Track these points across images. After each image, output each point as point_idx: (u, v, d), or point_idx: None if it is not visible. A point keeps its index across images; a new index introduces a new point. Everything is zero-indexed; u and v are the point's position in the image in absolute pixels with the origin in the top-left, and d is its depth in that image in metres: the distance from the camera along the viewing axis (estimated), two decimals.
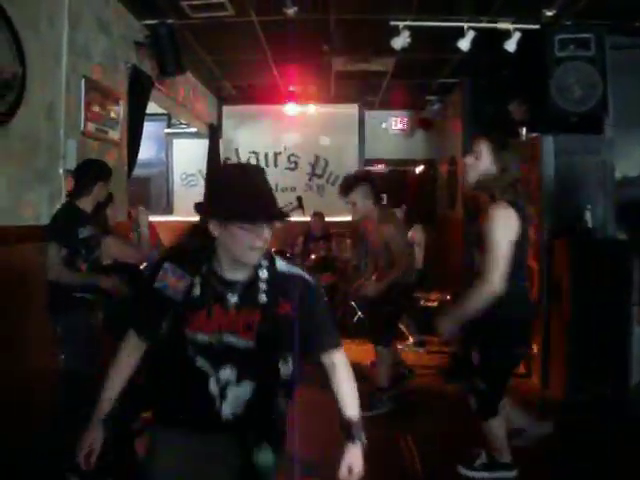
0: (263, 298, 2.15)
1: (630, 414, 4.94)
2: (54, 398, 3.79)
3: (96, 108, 5.00)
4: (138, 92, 5.85)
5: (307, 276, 2.27)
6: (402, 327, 7.38)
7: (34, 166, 4.16)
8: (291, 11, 5.62)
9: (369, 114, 10.49)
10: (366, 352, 6.68)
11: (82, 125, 4.79)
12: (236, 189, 2.08)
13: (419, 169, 11.04)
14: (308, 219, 8.50)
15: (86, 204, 3.97)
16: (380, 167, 11.11)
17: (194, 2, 5.53)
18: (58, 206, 4.21)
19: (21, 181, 4.00)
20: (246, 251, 2.07)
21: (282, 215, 2.14)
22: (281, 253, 8.29)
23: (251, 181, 2.11)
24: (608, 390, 5.21)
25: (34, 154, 4.16)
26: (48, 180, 4.34)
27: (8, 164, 3.84)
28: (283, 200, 9.44)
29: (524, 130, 6.36)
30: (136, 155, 5.95)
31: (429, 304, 8.02)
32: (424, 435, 4.70)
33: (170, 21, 5.78)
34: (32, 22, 4.08)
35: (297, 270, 2.27)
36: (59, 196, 4.41)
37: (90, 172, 4.07)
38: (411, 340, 7.43)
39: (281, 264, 2.25)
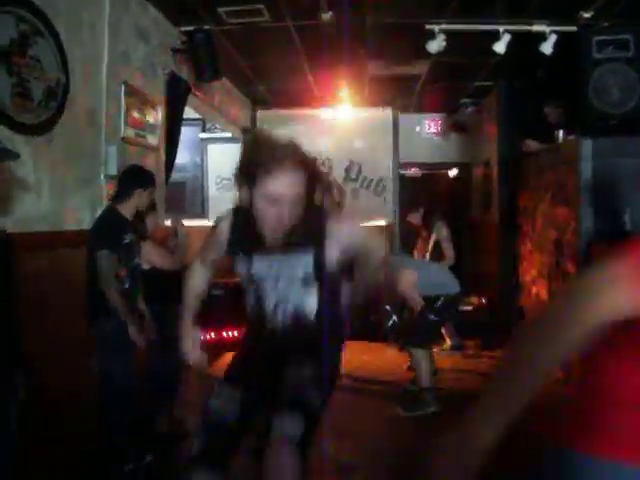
0: None
1: None
2: (94, 399, 3.86)
3: (135, 114, 5.07)
4: (176, 98, 5.93)
5: None
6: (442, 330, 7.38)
7: (76, 172, 4.23)
8: (327, 16, 5.65)
9: (403, 117, 10.45)
10: (402, 357, 6.69)
11: (122, 131, 4.85)
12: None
13: (452, 172, 11.00)
14: None
15: (126, 209, 4.01)
16: (414, 170, 11.10)
17: (231, 8, 5.58)
18: (99, 212, 4.27)
19: (63, 187, 4.07)
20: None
21: None
22: None
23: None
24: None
25: (76, 160, 4.23)
26: (90, 186, 4.41)
27: (51, 170, 3.90)
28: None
29: (561, 133, 6.31)
30: (173, 160, 6.03)
31: (465, 308, 7.98)
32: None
33: (207, 27, 5.83)
34: (75, 30, 4.15)
35: None
36: (100, 202, 4.48)
37: (130, 178, 4.13)
38: (448, 343, 7.40)
39: None
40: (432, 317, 5.40)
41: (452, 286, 5.62)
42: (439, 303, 5.38)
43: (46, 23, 3.75)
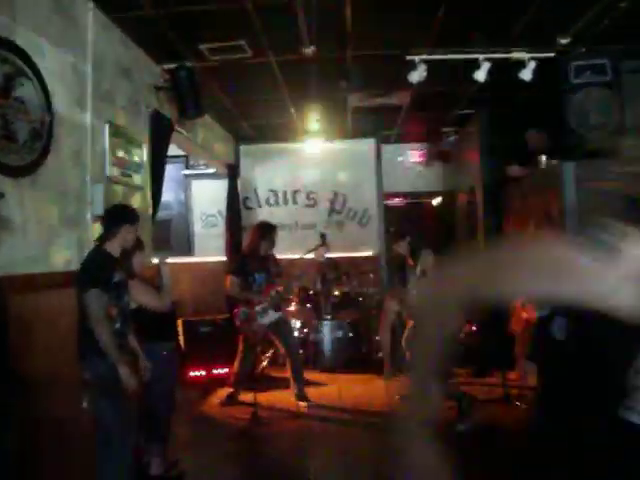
0: None
1: None
2: (84, 445, 3.79)
3: (120, 153, 5.07)
4: (159, 136, 5.93)
5: None
6: None
7: (63, 212, 4.21)
8: (309, 50, 5.71)
9: (385, 148, 10.53)
10: (392, 385, 6.67)
11: (107, 170, 4.84)
12: None
13: (436, 201, 11.05)
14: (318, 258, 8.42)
15: (113, 247, 3.96)
16: (398, 200, 11.15)
17: (213, 45, 5.63)
18: (86, 251, 4.24)
19: (50, 228, 4.04)
20: None
21: None
22: (305, 290, 8.31)
23: None
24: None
25: (62, 200, 4.21)
26: (76, 226, 4.39)
27: (38, 211, 3.88)
28: (304, 238, 9.57)
29: (544, 158, 6.36)
30: (159, 198, 6.01)
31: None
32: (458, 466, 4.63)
33: (189, 64, 5.86)
34: (58, 71, 4.16)
35: None
36: (87, 242, 4.44)
37: (114, 215, 4.10)
38: None
39: None
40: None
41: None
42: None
43: (30, 64, 3.75)
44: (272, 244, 6.66)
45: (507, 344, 7.07)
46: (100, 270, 3.79)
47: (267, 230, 6.68)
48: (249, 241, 6.82)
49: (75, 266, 4.17)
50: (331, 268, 8.55)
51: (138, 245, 4.41)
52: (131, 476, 3.82)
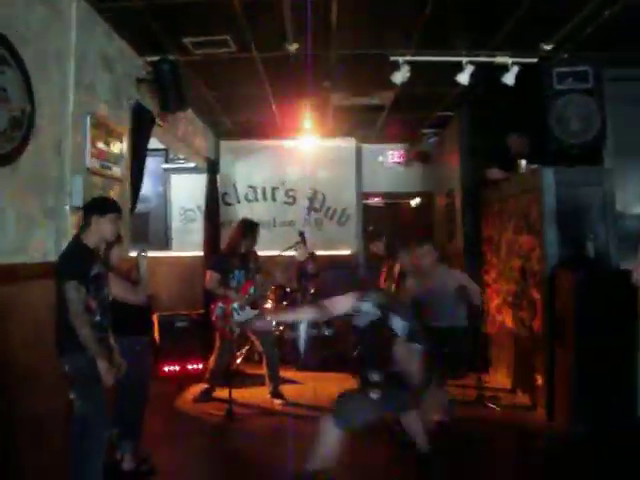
0: None
1: (637, 445, 4.91)
2: (65, 439, 3.75)
3: (100, 144, 5.02)
4: (141, 128, 5.89)
5: None
6: None
7: (42, 203, 4.17)
8: (292, 47, 5.70)
9: (366, 148, 10.55)
10: None
11: (87, 162, 4.79)
12: None
13: (415, 201, 11.08)
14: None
15: (89, 239, 3.90)
16: (377, 200, 11.17)
17: (197, 39, 5.60)
18: (65, 242, 4.20)
19: (29, 218, 4.00)
20: None
21: None
22: (281, 288, 8.29)
23: None
24: (614, 421, 5.18)
25: (42, 191, 4.17)
26: (55, 217, 4.35)
27: (16, 201, 3.84)
28: (282, 235, 9.55)
29: (524, 162, 6.41)
30: (138, 191, 5.97)
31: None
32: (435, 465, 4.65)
33: (172, 57, 5.83)
34: (41, 60, 4.11)
35: None
36: (65, 233, 4.41)
37: (91, 207, 4.03)
38: None
39: None
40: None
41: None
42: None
43: (12, 52, 3.71)
44: (253, 242, 6.64)
45: (481, 346, 7.11)
46: (78, 262, 3.74)
47: (249, 228, 6.65)
48: (231, 238, 6.79)
49: (53, 257, 4.14)
50: (312, 261, 8.51)
51: (117, 238, 4.37)
52: (103, 471, 3.78)
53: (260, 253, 6.98)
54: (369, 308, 3.86)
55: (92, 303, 3.75)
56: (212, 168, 9.51)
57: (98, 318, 3.81)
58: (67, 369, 3.71)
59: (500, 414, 5.97)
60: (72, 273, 3.65)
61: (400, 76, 5.96)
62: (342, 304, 4.04)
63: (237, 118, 8.98)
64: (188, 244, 9.97)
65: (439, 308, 5.58)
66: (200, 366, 7.37)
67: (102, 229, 3.93)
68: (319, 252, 8.92)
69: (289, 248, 7.79)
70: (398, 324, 3.79)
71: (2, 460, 3.44)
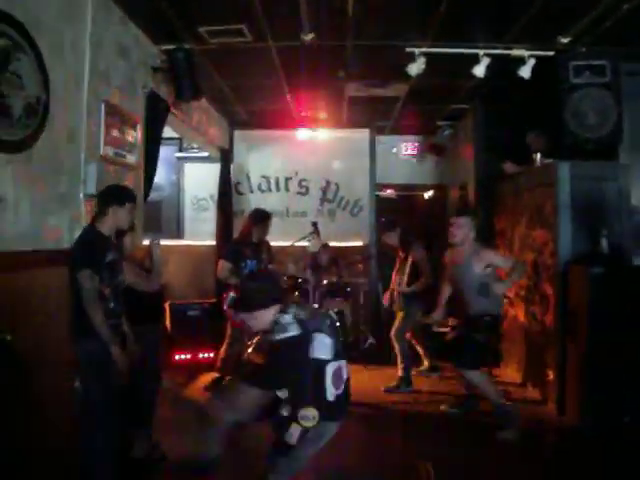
0: None
1: None
2: (74, 424, 3.78)
3: (115, 132, 5.03)
4: (155, 117, 5.89)
5: None
6: (419, 351, 7.36)
7: (56, 190, 4.18)
8: (308, 37, 5.68)
9: (380, 139, 10.50)
10: (378, 377, 6.68)
11: (101, 149, 4.80)
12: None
13: (428, 194, 11.05)
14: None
15: (104, 227, 3.93)
16: (390, 192, 11.14)
17: (212, 28, 5.58)
18: (78, 230, 4.21)
19: (43, 205, 4.01)
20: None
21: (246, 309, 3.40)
22: (294, 278, 8.29)
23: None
24: (625, 417, 5.16)
25: (56, 178, 4.18)
26: (69, 204, 4.36)
27: (31, 188, 3.85)
28: (295, 225, 9.55)
29: (539, 156, 6.37)
30: (152, 180, 5.98)
31: (442, 330, 7.97)
32: (442, 461, 4.64)
33: (187, 46, 5.82)
34: (56, 47, 4.12)
35: None
36: (79, 220, 4.43)
37: (106, 195, 4.05)
38: (426, 365, 7.38)
39: None
40: (479, 337, 5.41)
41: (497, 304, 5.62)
42: (485, 323, 5.41)
43: (28, 39, 3.71)
44: (265, 232, 6.63)
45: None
46: (92, 250, 3.76)
47: (260, 218, 6.65)
48: (242, 227, 6.80)
49: (66, 244, 4.15)
50: (325, 252, 8.51)
51: (130, 226, 4.38)
52: (114, 459, 3.81)
53: (272, 243, 6.99)
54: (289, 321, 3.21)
55: (106, 290, 3.77)
56: (225, 157, 9.50)
57: (112, 304, 3.84)
58: (80, 354, 3.74)
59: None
60: (86, 261, 3.68)
61: (416, 68, 5.93)
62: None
63: (251, 108, 8.97)
64: (200, 233, 9.98)
65: (464, 288, 5.58)
66: (211, 355, 7.38)
67: (119, 218, 3.97)
68: (332, 243, 8.92)
69: (302, 239, 7.79)
70: (322, 343, 3.20)
71: (13, 446, 3.47)
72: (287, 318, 3.21)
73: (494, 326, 5.57)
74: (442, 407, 6.00)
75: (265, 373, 3.22)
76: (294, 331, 3.17)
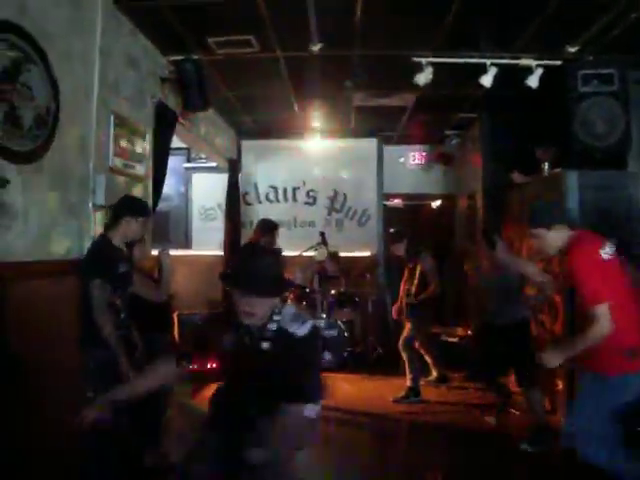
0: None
1: None
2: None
3: (124, 143, 5.05)
4: (163, 127, 5.91)
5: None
6: (428, 361, 7.34)
7: (65, 201, 4.19)
8: (316, 47, 5.70)
9: (387, 149, 10.49)
10: (387, 387, 6.66)
11: (110, 160, 4.83)
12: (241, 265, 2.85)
13: (436, 203, 11.04)
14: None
15: (116, 238, 3.96)
16: (397, 201, 11.14)
17: (220, 38, 5.61)
18: (87, 240, 4.23)
19: (52, 215, 4.03)
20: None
21: (260, 292, 2.76)
22: (301, 288, 8.28)
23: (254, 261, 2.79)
24: (634, 426, 5.11)
25: (65, 189, 4.19)
26: (78, 215, 4.37)
27: (40, 198, 3.86)
28: (302, 235, 9.55)
29: (546, 165, 6.35)
30: (160, 190, 5.99)
31: (450, 339, 7.97)
32: (452, 472, 4.63)
33: (196, 57, 5.85)
34: (66, 58, 4.14)
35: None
36: (88, 231, 4.44)
37: (120, 206, 4.09)
38: (434, 375, 7.36)
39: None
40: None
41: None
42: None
43: (37, 50, 3.74)
44: (273, 242, 6.65)
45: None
46: (103, 260, 3.77)
47: (268, 228, 6.69)
48: (251, 238, 6.84)
49: (75, 255, 4.17)
50: (333, 262, 8.51)
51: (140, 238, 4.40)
52: (124, 468, 3.81)
53: None
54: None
55: (117, 301, 3.78)
56: (233, 167, 9.51)
57: (123, 315, 3.84)
58: (88, 364, 3.74)
59: (519, 418, 5.94)
60: (98, 271, 3.69)
61: (423, 77, 5.92)
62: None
63: (259, 118, 9.00)
64: (208, 243, 9.99)
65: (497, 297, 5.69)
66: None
67: (131, 230, 4.00)
68: (339, 253, 8.93)
69: (310, 249, 7.79)
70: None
71: (18, 454, 3.47)
72: (292, 309, 2.96)
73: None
74: (522, 446, 5.33)
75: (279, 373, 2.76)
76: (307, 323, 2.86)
